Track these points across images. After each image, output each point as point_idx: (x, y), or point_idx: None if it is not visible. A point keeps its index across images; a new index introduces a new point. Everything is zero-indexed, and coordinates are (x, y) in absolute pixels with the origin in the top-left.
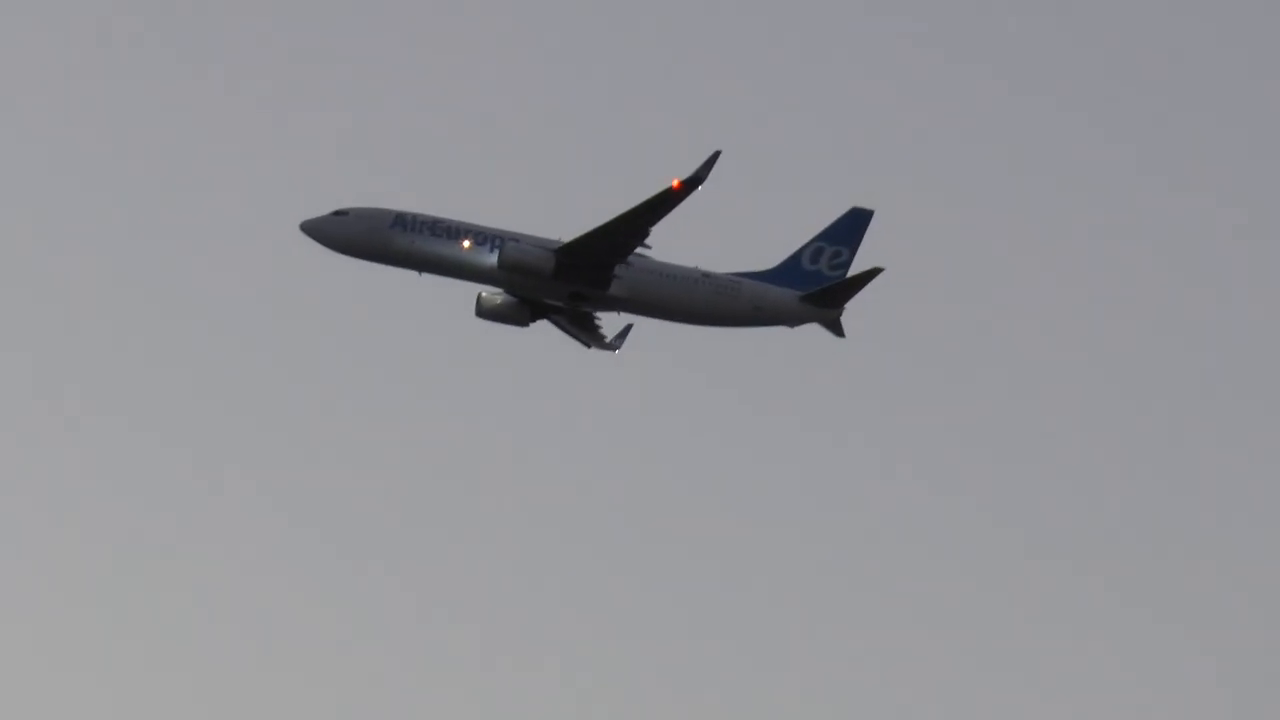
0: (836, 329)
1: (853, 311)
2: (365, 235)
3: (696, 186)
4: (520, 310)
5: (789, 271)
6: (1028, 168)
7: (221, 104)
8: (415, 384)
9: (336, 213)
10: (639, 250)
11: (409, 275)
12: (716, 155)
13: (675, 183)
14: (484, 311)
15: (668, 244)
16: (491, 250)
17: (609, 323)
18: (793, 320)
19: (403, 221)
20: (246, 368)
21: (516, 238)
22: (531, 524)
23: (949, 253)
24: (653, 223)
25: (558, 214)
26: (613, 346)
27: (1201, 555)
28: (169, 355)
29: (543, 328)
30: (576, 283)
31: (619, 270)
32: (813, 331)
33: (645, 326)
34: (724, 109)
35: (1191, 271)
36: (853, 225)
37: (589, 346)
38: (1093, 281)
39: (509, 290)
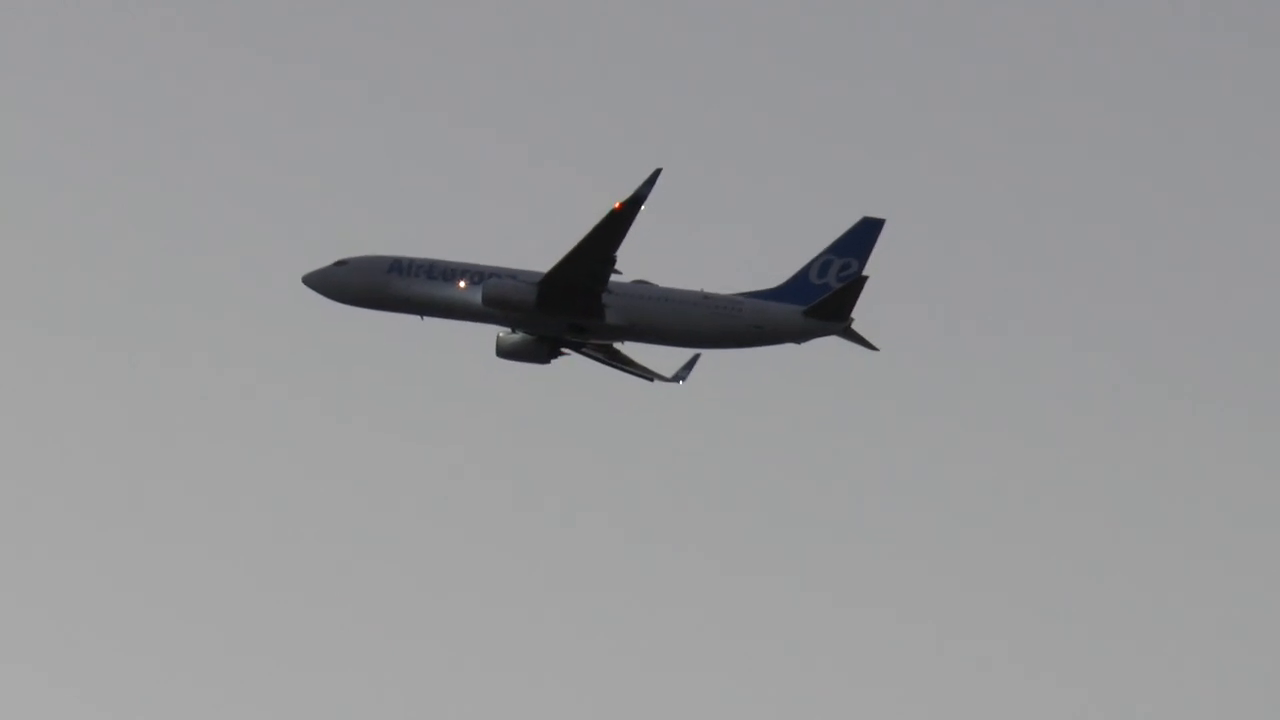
0: (862, 341)
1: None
2: (364, 283)
3: (639, 205)
4: (538, 347)
5: (798, 286)
6: (1039, 170)
7: (218, 159)
8: (476, 426)
9: (338, 263)
10: (641, 279)
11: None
12: (657, 173)
13: (617, 205)
14: (503, 351)
15: (680, 268)
16: None
17: (646, 353)
18: (798, 336)
19: (399, 266)
20: (276, 426)
21: (514, 274)
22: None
23: (962, 260)
24: (612, 247)
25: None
26: (678, 378)
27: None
28: (182, 416)
29: (588, 366)
30: (568, 313)
31: (607, 299)
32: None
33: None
34: (726, 121)
35: (1214, 276)
36: (863, 236)
37: (650, 380)
38: (1108, 283)
39: (512, 326)
